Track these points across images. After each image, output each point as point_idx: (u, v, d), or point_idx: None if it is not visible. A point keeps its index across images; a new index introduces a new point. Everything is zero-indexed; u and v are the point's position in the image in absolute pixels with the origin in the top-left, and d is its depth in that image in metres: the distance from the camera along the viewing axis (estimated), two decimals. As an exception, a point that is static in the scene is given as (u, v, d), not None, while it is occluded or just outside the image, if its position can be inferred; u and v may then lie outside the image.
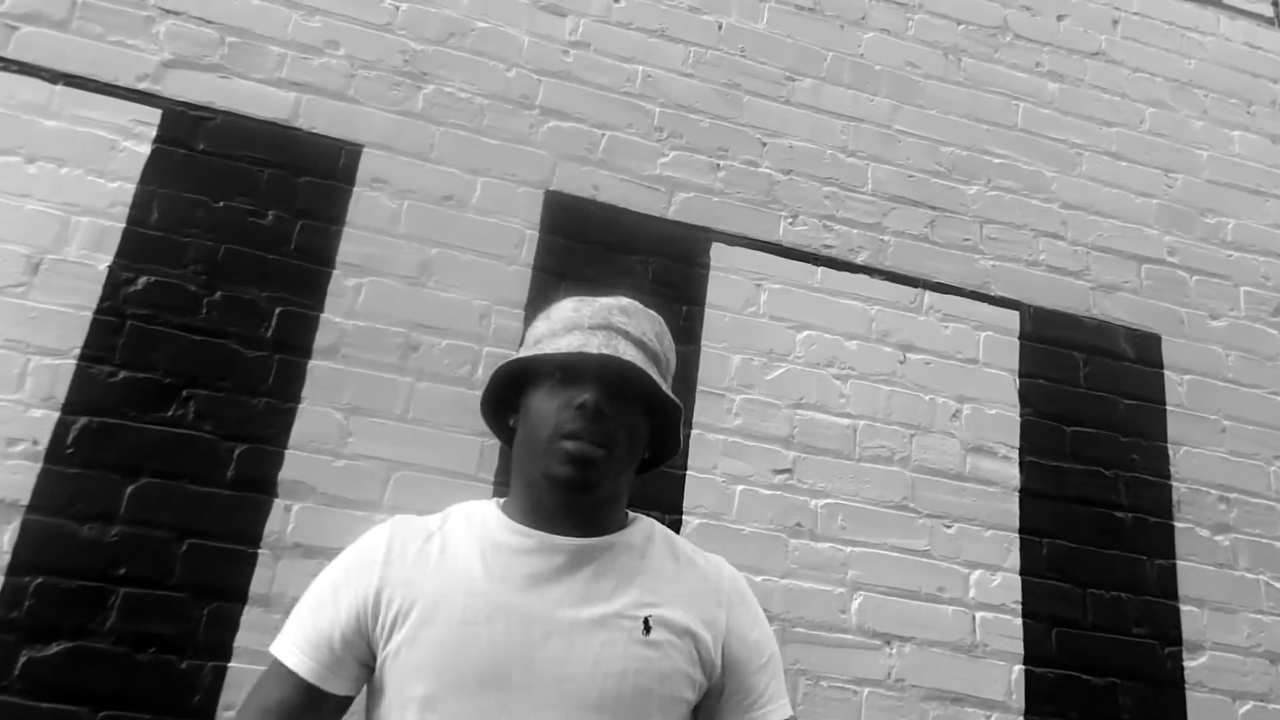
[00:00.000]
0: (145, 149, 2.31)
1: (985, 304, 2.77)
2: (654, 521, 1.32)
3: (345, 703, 1.20)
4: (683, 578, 1.23)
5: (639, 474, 1.32)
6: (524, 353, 1.23)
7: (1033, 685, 2.41)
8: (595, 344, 1.18)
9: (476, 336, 2.38)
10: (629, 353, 1.19)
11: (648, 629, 1.14)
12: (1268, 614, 2.62)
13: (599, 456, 1.15)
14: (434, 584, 1.16)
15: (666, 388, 1.23)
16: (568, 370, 1.19)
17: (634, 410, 1.21)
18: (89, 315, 2.16)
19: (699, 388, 2.47)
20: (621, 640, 1.12)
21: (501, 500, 1.29)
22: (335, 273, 2.35)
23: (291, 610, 1.24)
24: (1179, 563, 2.62)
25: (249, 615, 2.05)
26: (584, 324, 1.22)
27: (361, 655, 1.18)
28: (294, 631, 1.20)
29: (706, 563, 1.28)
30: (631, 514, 1.30)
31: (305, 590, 1.27)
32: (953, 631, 2.41)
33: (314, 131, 2.44)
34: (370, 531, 1.26)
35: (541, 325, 1.27)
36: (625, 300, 1.29)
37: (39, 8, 2.34)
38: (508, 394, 1.28)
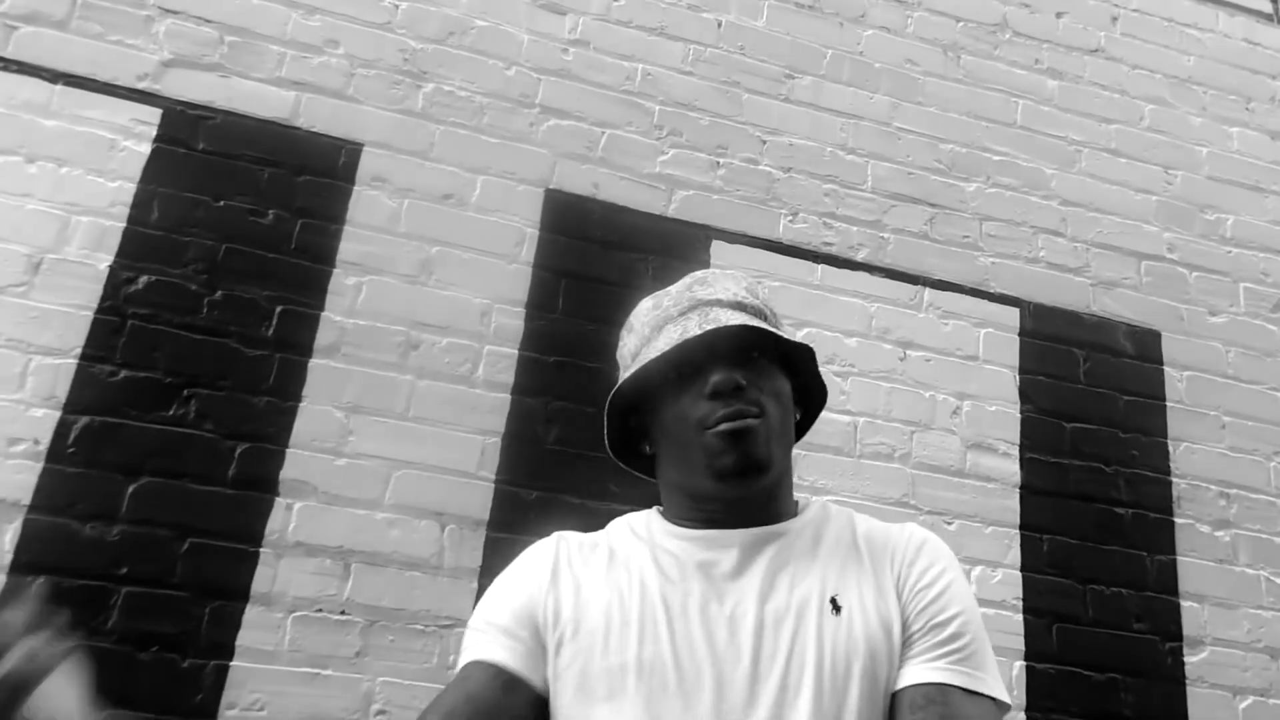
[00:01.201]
0: (145, 148, 2.32)
1: (985, 301, 2.77)
2: (827, 502, 1.22)
3: (541, 704, 1.06)
4: (864, 552, 1.11)
5: (800, 435, 1.22)
6: (626, 374, 1.13)
7: (1034, 681, 2.41)
8: (693, 326, 1.07)
9: (477, 335, 2.38)
10: (731, 317, 1.08)
11: (837, 609, 1.03)
12: (1268, 609, 2.63)
13: (754, 426, 1.05)
14: (607, 591, 1.07)
15: (785, 334, 1.12)
16: (681, 366, 1.09)
17: (767, 371, 1.11)
18: (90, 315, 2.16)
19: (699, 385, 2.47)
20: (812, 626, 1.02)
21: (659, 508, 1.19)
22: (336, 271, 2.35)
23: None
24: (1179, 558, 2.63)
25: (251, 614, 2.05)
26: (672, 315, 1.12)
27: (543, 654, 1.07)
28: (473, 641, 1.09)
29: (888, 529, 1.15)
30: (804, 499, 1.20)
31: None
32: (953, 628, 2.41)
33: (314, 130, 2.44)
34: (533, 546, 1.17)
35: (630, 341, 1.17)
36: (699, 272, 1.19)
37: (39, 7, 2.35)
38: (632, 423, 1.18)
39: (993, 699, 1.02)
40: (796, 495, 1.20)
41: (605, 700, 1.00)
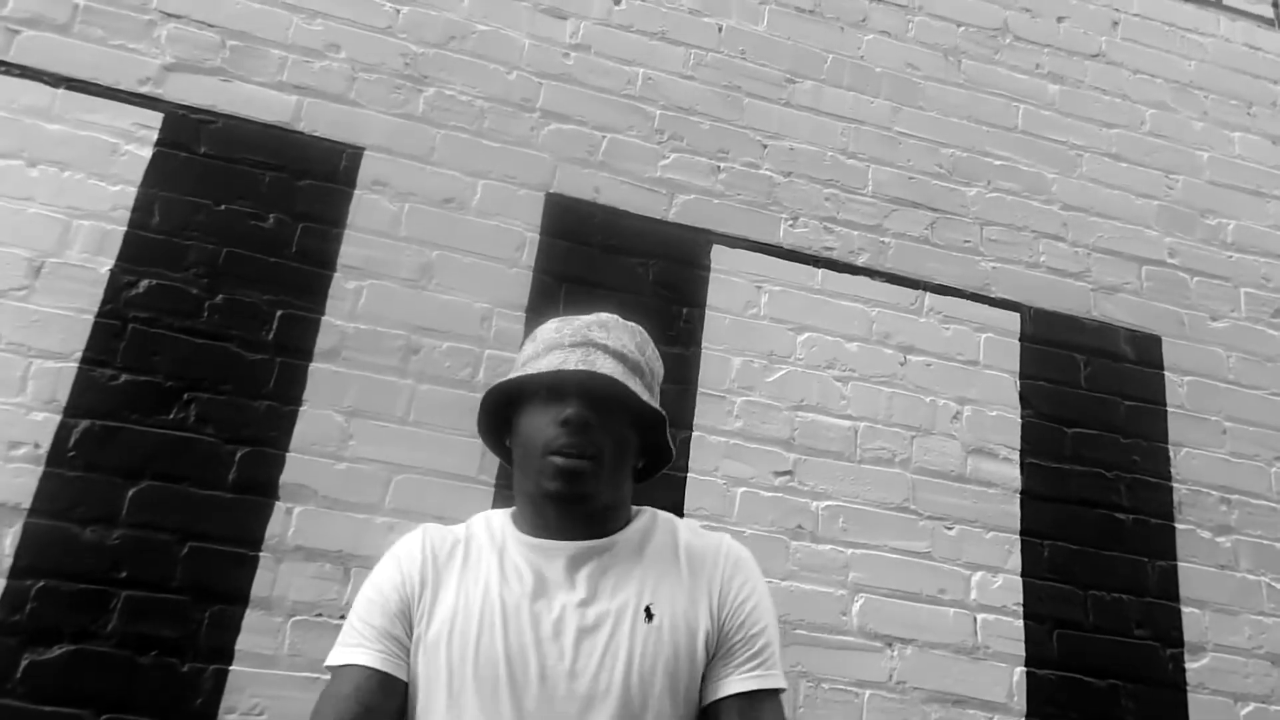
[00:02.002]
0: (147, 152, 2.32)
1: (986, 306, 2.77)
2: (657, 512, 1.36)
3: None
4: (683, 562, 1.28)
5: (640, 481, 1.37)
6: (512, 375, 1.29)
7: (1034, 687, 2.41)
8: (574, 361, 1.23)
9: (477, 339, 2.38)
10: (606, 365, 1.24)
11: (650, 616, 1.20)
12: (1269, 615, 2.62)
13: (585, 468, 1.21)
14: (459, 588, 1.23)
15: (649, 397, 1.27)
16: (551, 388, 1.25)
17: (619, 420, 1.26)
18: (91, 318, 2.16)
19: (699, 390, 2.47)
20: (625, 631, 1.19)
21: (511, 510, 1.35)
22: (336, 275, 2.35)
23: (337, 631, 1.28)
24: (1180, 564, 2.62)
25: (250, 618, 2.05)
26: (564, 343, 1.27)
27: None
28: (349, 636, 1.24)
29: (706, 543, 1.32)
30: (636, 509, 1.34)
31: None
32: (954, 633, 2.41)
33: (315, 134, 2.45)
34: (404, 538, 1.32)
35: (528, 348, 1.33)
36: (605, 315, 1.35)
37: (41, 12, 2.35)
38: (503, 414, 1.35)
39: (781, 688, 1.25)
40: (635, 510, 1.35)
41: (446, 693, 1.16)
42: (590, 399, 1.23)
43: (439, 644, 1.19)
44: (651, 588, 1.24)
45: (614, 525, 1.29)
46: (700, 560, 1.28)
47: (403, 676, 1.21)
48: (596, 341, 1.27)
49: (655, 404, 1.28)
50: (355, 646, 1.22)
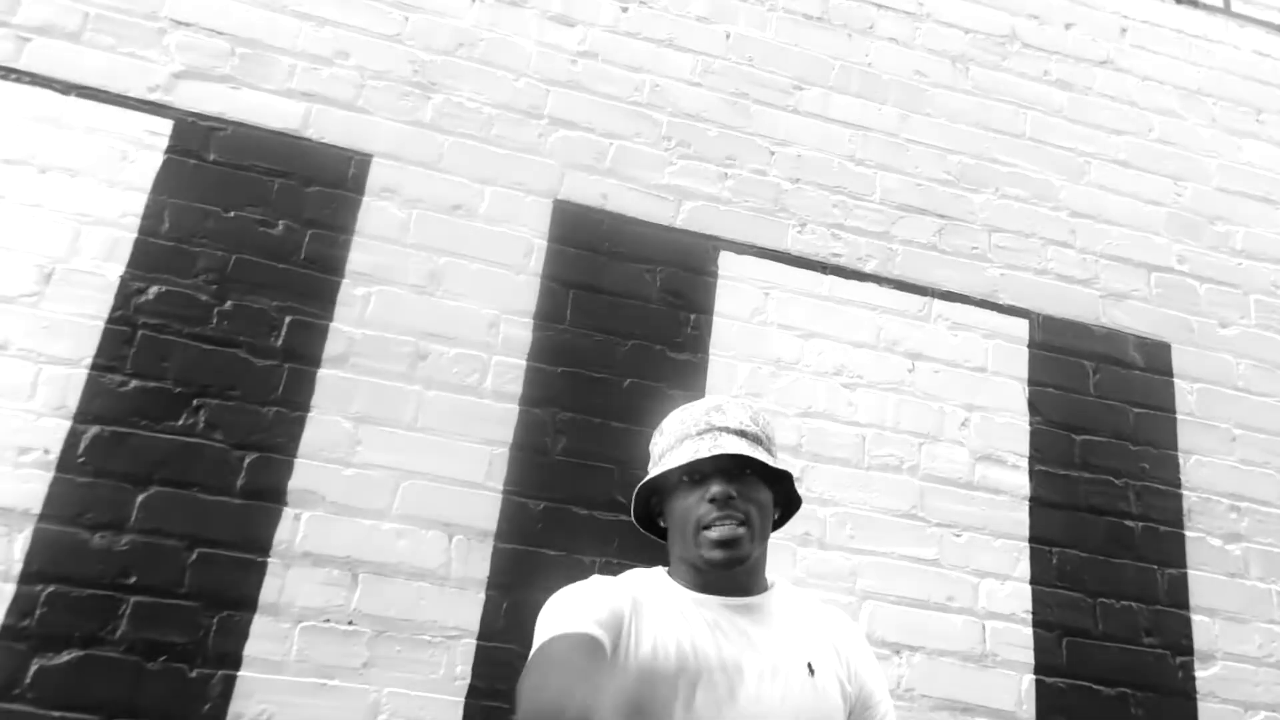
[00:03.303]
0: (157, 159, 2.33)
1: (994, 312, 2.77)
2: (787, 583, 1.55)
3: None
4: (821, 628, 1.46)
5: (776, 529, 1.54)
6: (655, 470, 1.47)
7: (1043, 695, 2.40)
8: (705, 446, 1.41)
9: (485, 345, 2.39)
10: (732, 444, 1.40)
11: (811, 672, 1.37)
12: (1279, 624, 2.61)
13: (740, 535, 1.38)
14: (655, 623, 1.36)
15: (773, 459, 1.45)
16: (692, 474, 1.42)
17: (755, 486, 1.42)
18: (100, 324, 2.17)
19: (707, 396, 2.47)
20: (796, 683, 1.35)
21: (667, 569, 1.49)
22: (344, 282, 2.35)
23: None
24: (1190, 572, 2.61)
25: (259, 624, 2.06)
26: (692, 433, 1.45)
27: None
28: (565, 618, 1.31)
29: (829, 614, 1.52)
30: (770, 578, 1.51)
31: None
32: (962, 641, 2.40)
33: (324, 141, 2.46)
34: (603, 578, 1.44)
35: (660, 442, 1.51)
36: (718, 399, 1.52)
37: (51, 19, 2.36)
38: (652, 501, 1.53)
39: None
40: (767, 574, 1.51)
41: (666, 681, 1.29)
42: (728, 474, 1.40)
43: (642, 663, 1.30)
44: (806, 645, 1.40)
45: (760, 585, 1.47)
46: (833, 630, 1.47)
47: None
48: (718, 425, 1.45)
49: (779, 465, 1.45)
50: (575, 620, 1.29)
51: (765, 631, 1.40)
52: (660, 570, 1.50)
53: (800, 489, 2.45)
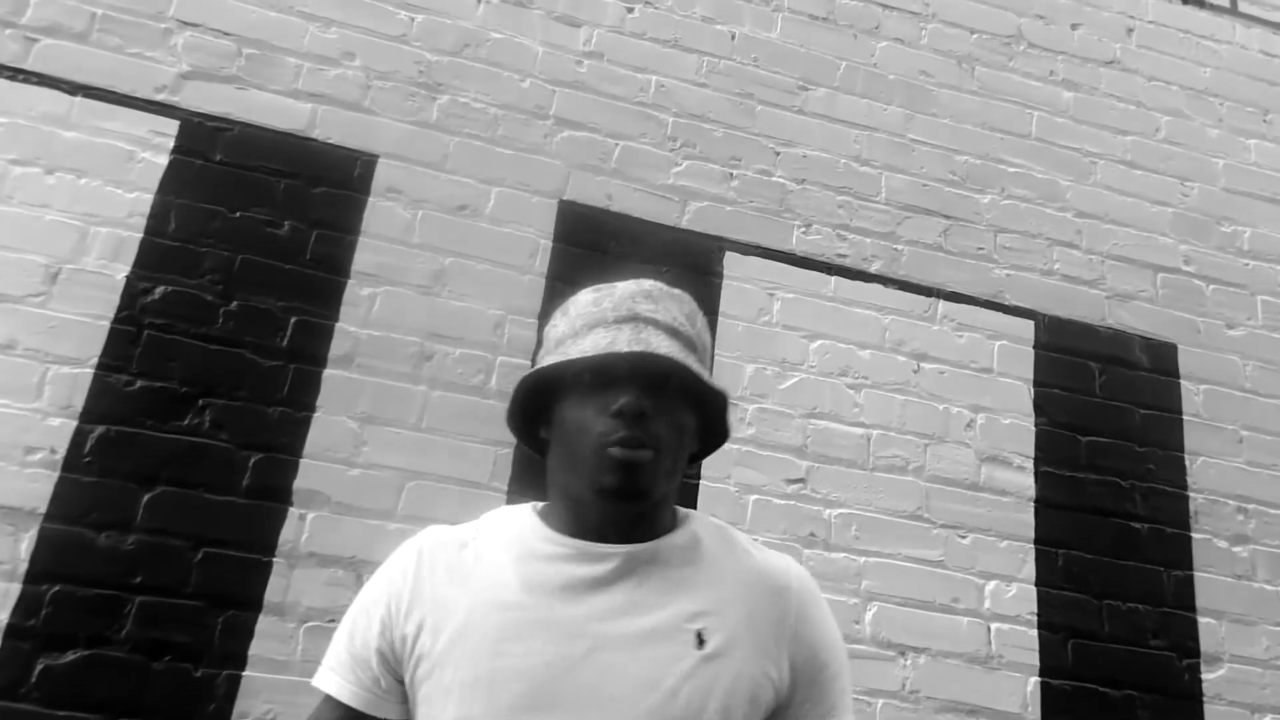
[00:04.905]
0: (163, 160, 2.33)
1: (999, 313, 2.76)
2: (706, 517, 1.20)
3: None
4: (741, 581, 1.10)
5: (690, 465, 1.22)
6: (547, 359, 1.12)
7: (1049, 697, 2.39)
8: (624, 340, 1.06)
9: (490, 346, 2.39)
10: (662, 344, 1.06)
11: (701, 642, 1.03)
12: (1287, 626, 2.60)
13: (646, 460, 1.04)
14: (467, 599, 1.07)
15: (707, 375, 1.10)
16: (598, 372, 1.07)
17: (677, 405, 1.09)
18: (107, 325, 2.18)
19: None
20: (672, 655, 1.02)
21: (539, 506, 1.18)
22: (350, 282, 2.36)
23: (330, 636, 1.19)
24: (1196, 574, 2.60)
25: (264, 624, 2.06)
26: (607, 318, 1.10)
27: (401, 675, 1.10)
28: (331, 659, 1.13)
29: (769, 562, 1.15)
30: (682, 512, 1.18)
31: (336, 609, 1.25)
32: (968, 643, 2.40)
33: (330, 142, 2.46)
34: (401, 546, 1.17)
35: (561, 324, 1.15)
36: (648, 284, 1.16)
37: (59, 20, 2.37)
38: (535, 402, 1.16)
39: None
40: (680, 513, 1.19)
41: (457, 709, 1.00)
42: (646, 384, 1.06)
43: (444, 664, 1.03)
44: (704, 606, 1.06)
45: (660, 527, 1.12)
46: (763, 583, 1.11)
47: (379, 714, 1.09)
48: (645, 315, 1.10)
49: (714, 382, 1.11)
50: (332, 671, 1.12)
51: (645, 590, 1.06)
52: (527, 509, 1.18)
53: (805, 490, 2.46)
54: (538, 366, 1.12)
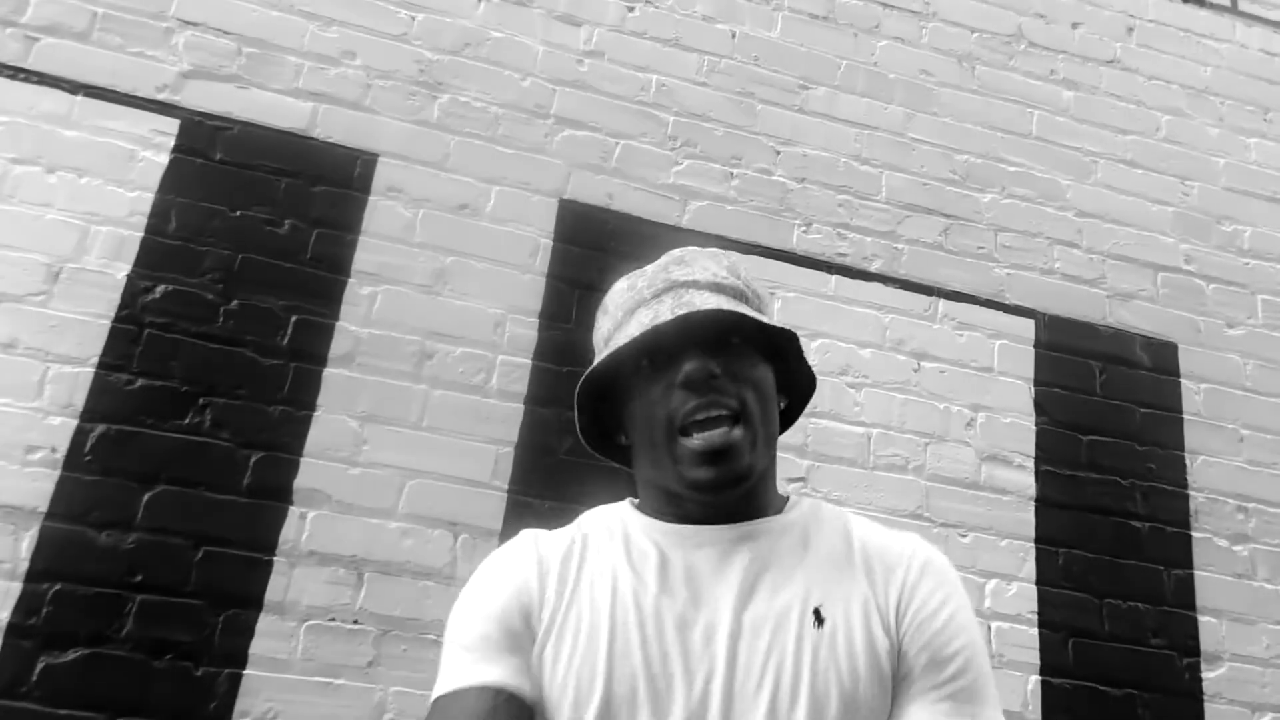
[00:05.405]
0: (164, 159, 2.33)
1: (1000, 312, 2.76)
2: (821, 501, 1.12)
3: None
4: (860, 566, 1.02)
5: (786, 428, 1.13)
6: (598, 361, 1.05)
7: (1049, 696, 2.39)
8: (666, 309, 0.99)
9: (491, 345, 2.39)
10: (709, 301, 0.99)
11: (820, 621, 0.95)
12: (1287, 625, 2.60)
13: (736, 439, 0.97)
14: (581, 593, 1.00)
15: (766, 319, 1.02)
16: (653, 352, 1.00)
17: (747, 359, 1.02)
18: (107, 324, 2.18)
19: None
20: (791, 639, 0.94)
21: (634, 501, 1.11)
22: (351, 281, 2.36)
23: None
24: (1197, 573, 2.60)
25: (264, 622, 2.06)
26: (645, 296, 1.03)
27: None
28: (459, 661, 0.99)
29: (888, 541, 1.05)
30: (791, 497, 1.11)
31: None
32: (968, 641, 2.40)
33: (330, 141, 2.46)
34: (508, 546, 1.08)
35: (604, 322, 1.09)
36: (677, 250, 1.10)
37: (60, 19, 2.37)
38: (607, 412, 1.10)
39: None
40: (786, 491, 1.12)
41: (572, 708, 0.93)
42: (705, 346, 0.98)
43: (558, 657, 0.96)
44: (820, 588, 0.98)
45: (767, 505, 1.05)
46: (881, 561, 1.02)
47: (531, 698, 0.95)
48: (681, 280, 1.02)
49: (776, 323, 1.02)
50: (474, 664, 0.96)
51: (761, 572, 0.99)
52: (625, 505, 1.11)
53: (806, 489, 2.46)
54: (589, 369, 1.05)
